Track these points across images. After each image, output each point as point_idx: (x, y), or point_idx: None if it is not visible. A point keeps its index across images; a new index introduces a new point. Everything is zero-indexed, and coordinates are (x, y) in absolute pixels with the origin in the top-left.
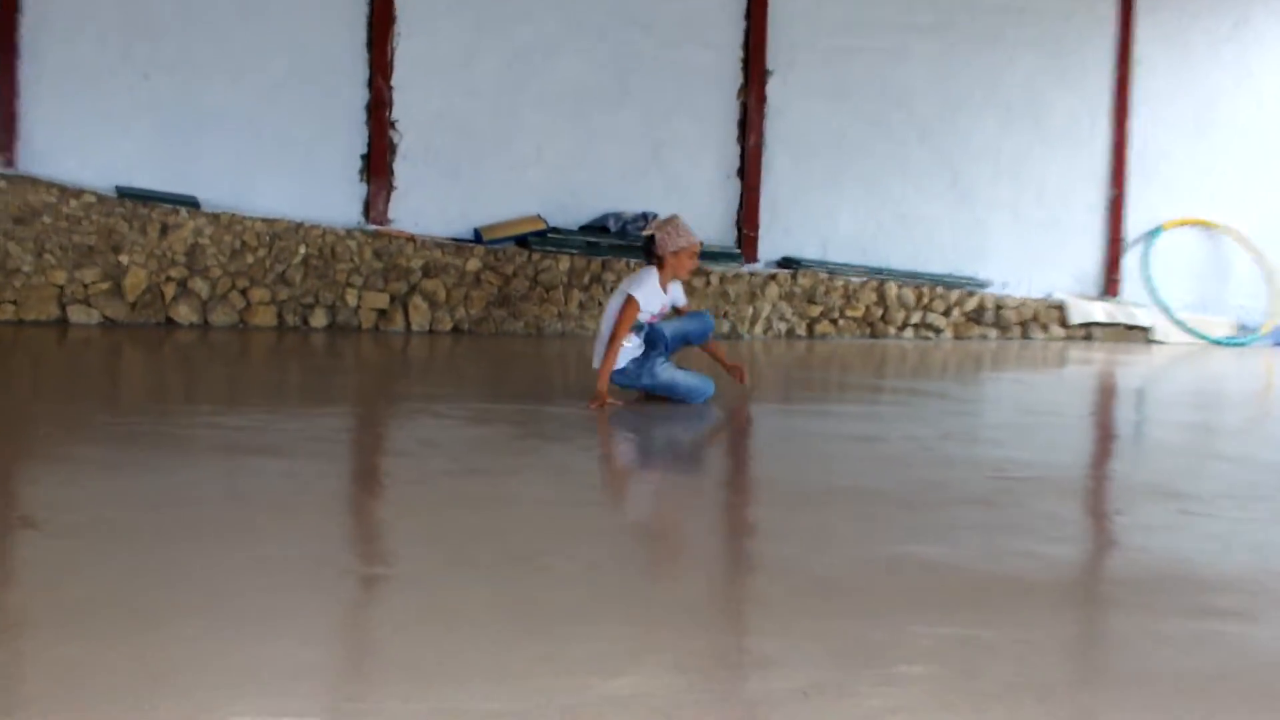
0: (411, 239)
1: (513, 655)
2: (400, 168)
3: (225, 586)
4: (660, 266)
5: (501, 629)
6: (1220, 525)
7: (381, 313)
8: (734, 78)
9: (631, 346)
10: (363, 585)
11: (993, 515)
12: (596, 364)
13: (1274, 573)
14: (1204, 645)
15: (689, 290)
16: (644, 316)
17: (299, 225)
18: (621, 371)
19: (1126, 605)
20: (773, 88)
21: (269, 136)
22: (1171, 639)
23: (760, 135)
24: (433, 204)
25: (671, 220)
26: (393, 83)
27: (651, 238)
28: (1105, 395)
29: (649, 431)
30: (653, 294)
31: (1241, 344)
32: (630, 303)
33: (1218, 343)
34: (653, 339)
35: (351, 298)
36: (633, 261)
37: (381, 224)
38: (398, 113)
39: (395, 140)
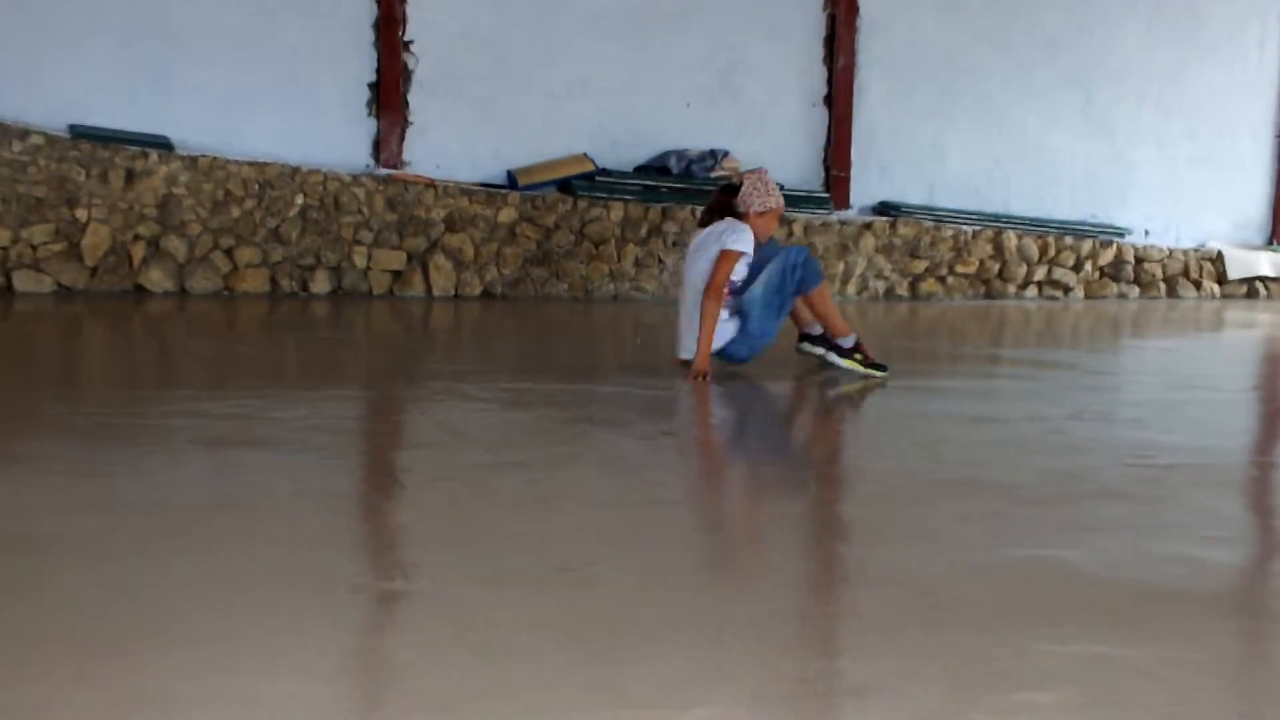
0: (432, 185)
1: (561, 685)
2: (417, 99)
3: (216, 609)
4: (742, 218)
5: (546, 653)
6: None
7: (397, 275)
8: None
9: (725, 325)
10: (379, 603)
11: (1136, 511)
12: (687, 353)
13: None
14: None
15: None
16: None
17: (295, 170)
18: (721, 353)
19: None
20: None
21: (256, 62)
22: None
23: (852, 56)
24: (457, 142)
25: (760, 173)
26: None
27: (734, 188)
28: (1271, 365)
29: (722, 413)
30: (749, 249)
31: None
32: (728, 257)
33: None
34: (744, 310)
35: (360, 257)
36: (698, 209)
37: (395, 167)
38: (413, 31)
39: (410, 66)
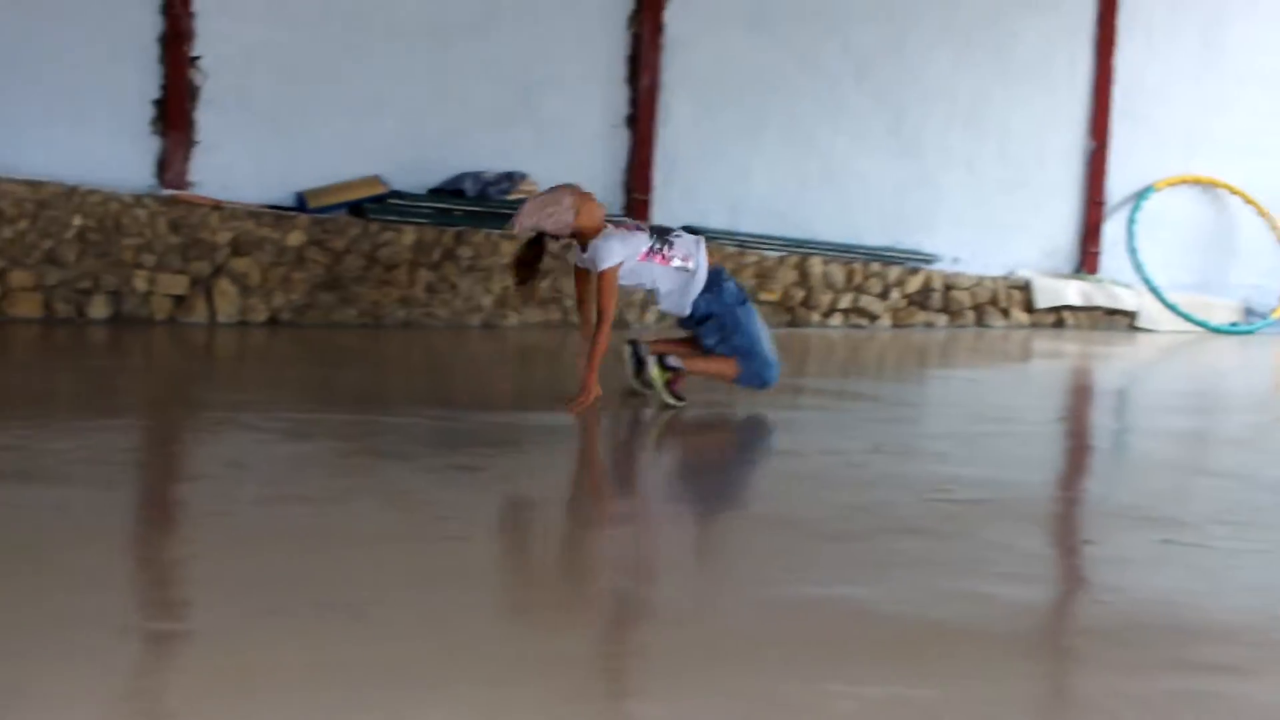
0: (217, 206)
1: None
2: (204, 117)
3: None
4: (581, 237)
5: (321, 695)
6: (1212, 558)
7: (179, 300)
8: (624, 2)
9: (674, 282)
10: (148, 645)
11: (932, 547)
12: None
13: (1277, 617)
14: (1189, 708)
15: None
16: (653, 268)
17: (72, 190)
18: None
19: (1096, 659)
20: (672, 14)
21: (32, 77)
22: (1149, 701)
23: (656, 75)
24: (245, 163)
25: (530, 201)
26: (194, 8)
27: (538, 238)
28: (1077, 396)
29: (512, 445)
30: (622, 247)
31: (1248, 331)
32: (606, 278)
33: (1219, 330)
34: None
35: (141, 281)
36: (493, 233)
37: (179, 188)
38: (201, 46)
39: (198, 82)
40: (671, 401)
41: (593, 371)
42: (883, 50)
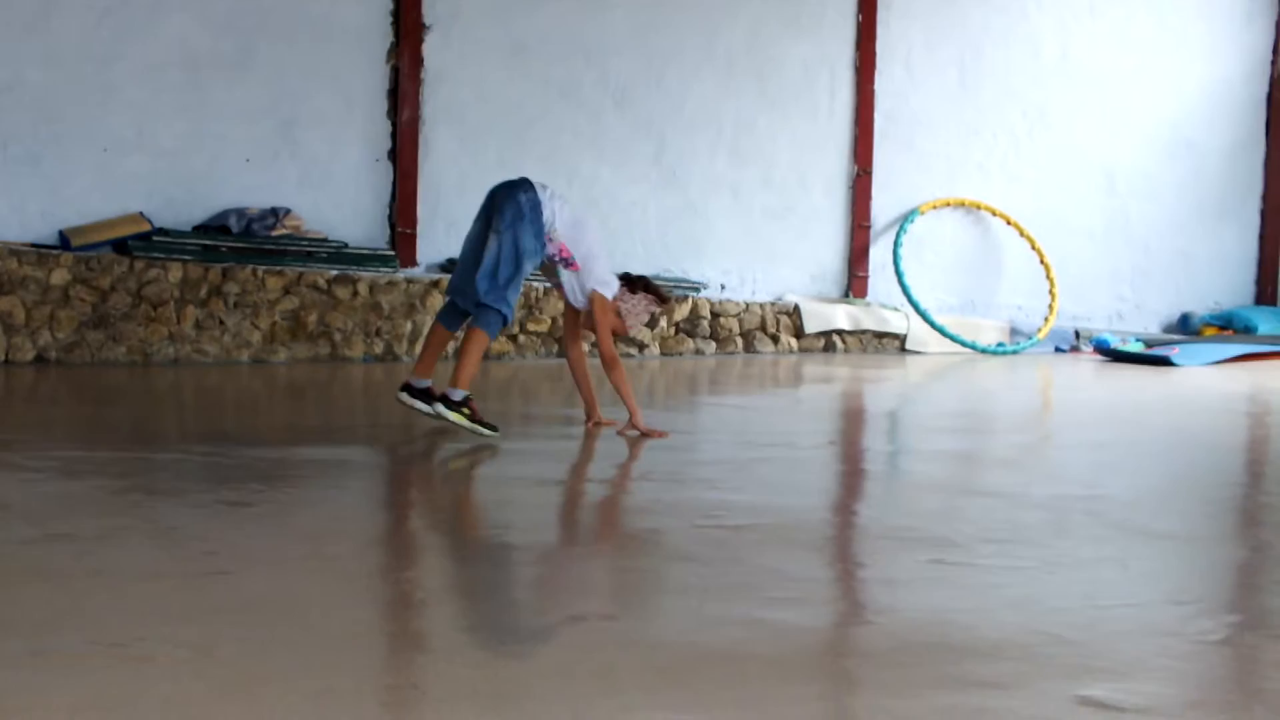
0: None
1: None
2: None
3: None
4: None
5: None
6: (980, 577)
7: None
8: (383, 36)
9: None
10: None
11: (701, 574)
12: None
13: (1041, 633)
14: None
15: (320, 295)
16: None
17: None
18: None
19: (867, 680)
20: (431, 47)
21: None
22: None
23: (416, 109)
24: (4, 201)
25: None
26: None
27: (645, 282)
28: (848, 420)
29: (283, 479)
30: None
31: (1014, 351)
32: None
33: (986, 351)
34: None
35: None
36: (260, 269)
37: None
38: None
39: None
40: (486, 432)
41: (631, 403)
42: (643, 79)
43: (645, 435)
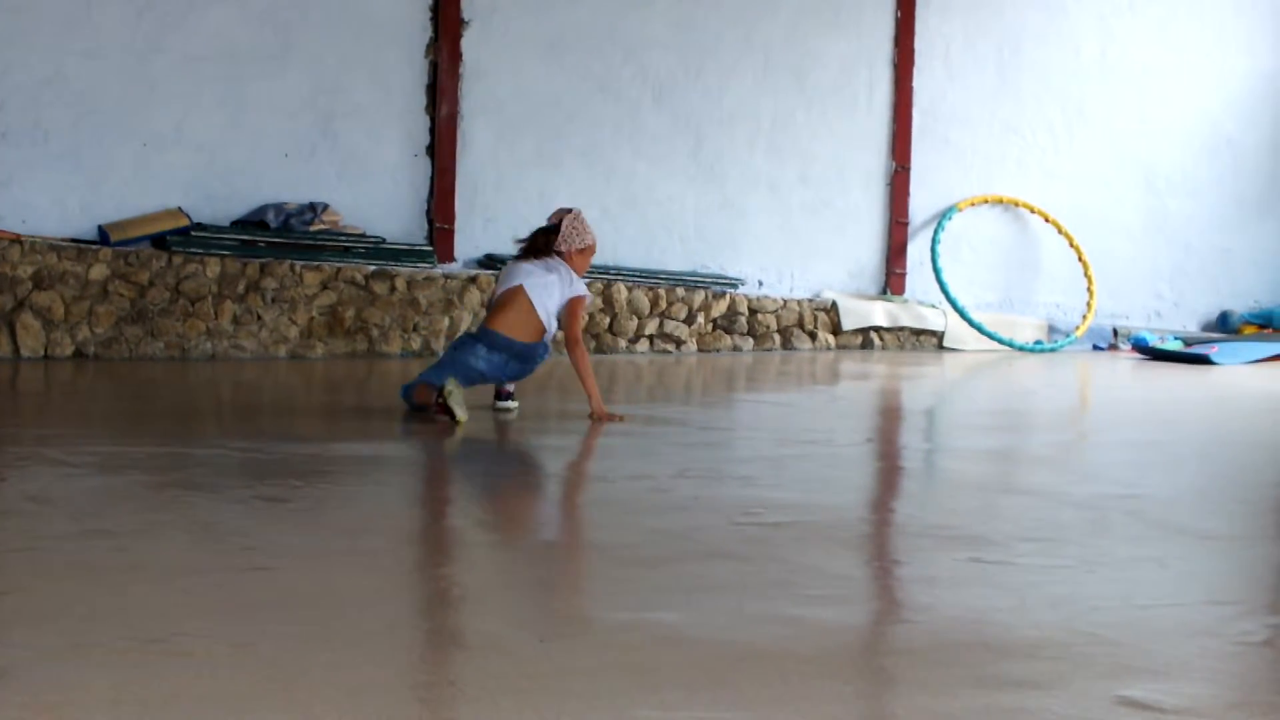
0: (17, 240)
1: None
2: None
3: None
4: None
5: None
6: (1018, 576)
7: None
8: (422, 30)
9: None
10: None
11: (740, 571)
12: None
13: (1080, 633)
14: None
15: (360, 292)
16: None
17: None
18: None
19: (905, 679)
20: (470, 43)
21: None
22: (957, 719)
23: (455, 104)
24: (44, 196)
25: (576, 213)
26: None
27: (553, 229)
28: (885, 417)
29: (320, 475)
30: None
31: (1052, 349)
32: (581, 304)
33: (1024, 348)
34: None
35: None
36: (297, 264)
37: None
38: None
39: None
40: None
41: (593, 389)
42: (681, 74)
43: (603, 420)
